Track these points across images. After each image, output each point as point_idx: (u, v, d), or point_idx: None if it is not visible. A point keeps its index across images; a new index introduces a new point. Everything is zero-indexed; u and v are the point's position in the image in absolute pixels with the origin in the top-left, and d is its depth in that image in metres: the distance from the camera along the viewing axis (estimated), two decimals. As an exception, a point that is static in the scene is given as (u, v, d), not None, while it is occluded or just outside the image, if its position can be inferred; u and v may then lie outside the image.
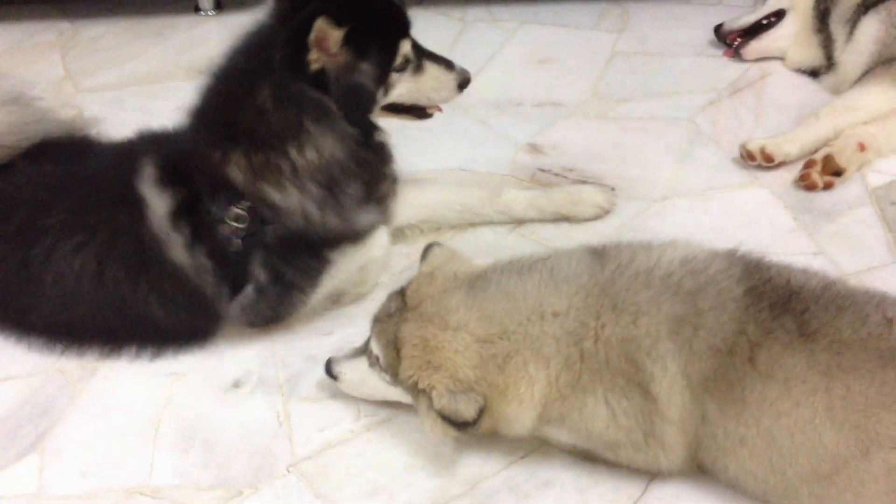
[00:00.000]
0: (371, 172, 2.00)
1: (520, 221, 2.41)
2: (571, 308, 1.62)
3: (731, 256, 1.66)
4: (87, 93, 3.26)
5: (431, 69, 2.02)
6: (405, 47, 1.96)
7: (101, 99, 3.19)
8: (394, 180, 2.13)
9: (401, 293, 1.79)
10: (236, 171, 1.89)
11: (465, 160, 2.68)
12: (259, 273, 2.00)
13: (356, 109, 1.92)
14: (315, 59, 1.82)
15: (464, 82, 2.07)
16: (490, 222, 2.41)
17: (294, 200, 1.91)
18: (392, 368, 1.72)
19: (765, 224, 2.35)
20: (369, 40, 1.87)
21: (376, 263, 2.17)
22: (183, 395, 2.02)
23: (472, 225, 2.42)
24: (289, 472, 1.82)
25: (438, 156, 2.69)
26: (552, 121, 2.87)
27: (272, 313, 2.07)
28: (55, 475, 1.87)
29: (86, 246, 2.00)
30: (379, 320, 1.79)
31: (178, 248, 1.96)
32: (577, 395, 1.63)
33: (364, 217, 2.04)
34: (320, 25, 1.77)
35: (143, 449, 1.90)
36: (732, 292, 1.57)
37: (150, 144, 2.06)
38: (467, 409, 1.62)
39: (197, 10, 3.79)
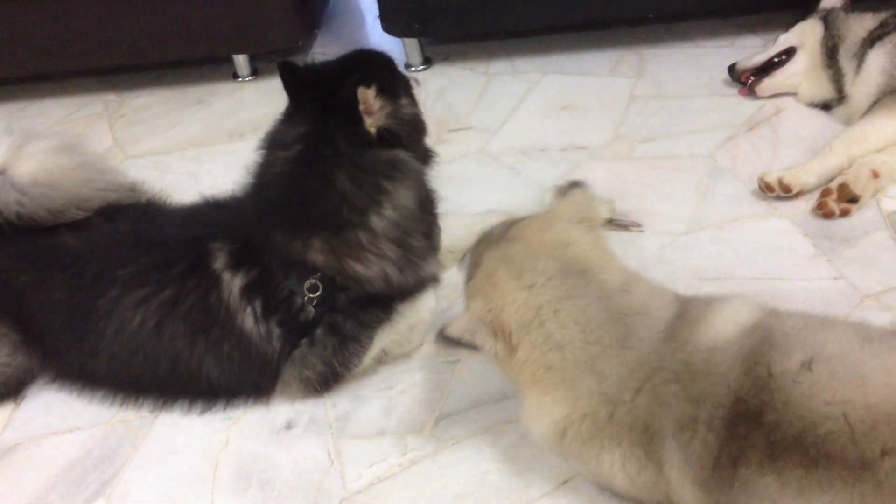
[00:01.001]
0: (430, 219, 2.13)
1: None
2: (621, 379, 1.60)
3: (744, 343, 1.56)
4: (134, 159, 3.41)
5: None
6: (403, 70, 2.23)
7: (148, 164, 3.33)
8: (440, 230, 2.23)
9: (512, 223, 1.86)
10: (317, 255, 1.99)
11: (495, 204, 2.75)
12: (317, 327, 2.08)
13: (420, 135, 2.14)
14: (370, 124, 1.98)
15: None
16: None
17: (375, 268, 2.01)
18: (467, 277, 1.85)
19: (786, 252, 2.39)
20: (390, 80, 2.07)
21: (424, 324, 2.25)
22: (238, 438, 2.11)
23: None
24: (342, 505, 1.90)
25: (470, 201, 2.77)
26: (577, 164, 2.94)
27: (325, 368, 2.11)
28: (123, 519, 1.97)
29: (149, 301, 2.09)
30: (485, 237, 1.89)
31: (248, 317, 2.05)
32: (595, 447, 1.64)
33: (428, 268, 2.15)
34: (362, 94, 1.94)
35: (204, 490, 1.99)
36: (723, 406, 1.51)
37: (217, 217, 2.18)
38: (457, 329, 1.69)
39: (235, 76, 3.94)
